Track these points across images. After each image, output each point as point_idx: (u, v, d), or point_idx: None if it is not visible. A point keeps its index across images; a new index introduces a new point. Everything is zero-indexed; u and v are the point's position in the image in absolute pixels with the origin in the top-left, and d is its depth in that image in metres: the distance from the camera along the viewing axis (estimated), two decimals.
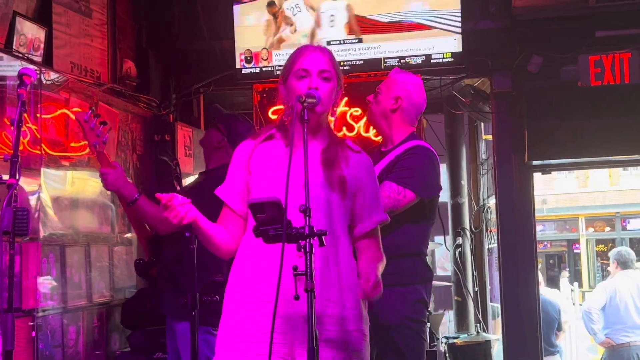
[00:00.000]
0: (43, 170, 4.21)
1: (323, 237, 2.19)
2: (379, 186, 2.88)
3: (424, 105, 3.59)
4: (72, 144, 4.49)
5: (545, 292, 8.04)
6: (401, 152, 3.41)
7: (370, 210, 2.63)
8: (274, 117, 5.66)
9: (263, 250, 2.43)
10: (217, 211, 3.68)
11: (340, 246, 2.53)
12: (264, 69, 5.68)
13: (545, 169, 5.95)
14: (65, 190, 4.49)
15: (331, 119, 2.71)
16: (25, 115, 2.74)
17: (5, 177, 2.62)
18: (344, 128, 5.44)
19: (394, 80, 3.54)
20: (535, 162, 5.67)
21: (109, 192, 3.86)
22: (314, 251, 2.18)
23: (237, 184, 2.61)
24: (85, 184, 4.66)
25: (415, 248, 3.41)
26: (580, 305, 10.83)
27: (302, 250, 2.17)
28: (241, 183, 2.60)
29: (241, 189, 2.60)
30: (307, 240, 2.15)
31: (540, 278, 8.03)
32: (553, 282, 16.57)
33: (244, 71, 5.72)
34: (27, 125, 3.95)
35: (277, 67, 5.63)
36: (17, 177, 2.59)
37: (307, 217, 2.17)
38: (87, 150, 3.66)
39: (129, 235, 5.18)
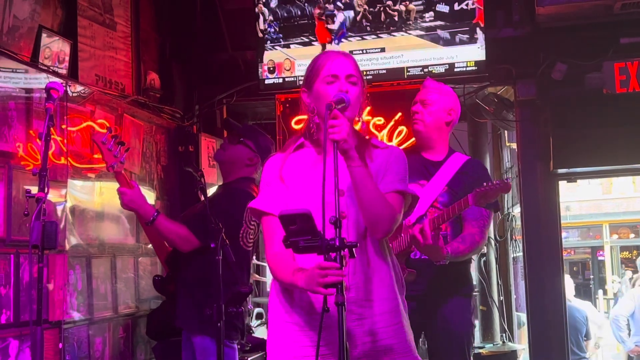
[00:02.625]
0: (69, 181, 4.23)
1: (354, 249, 2.16)
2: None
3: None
4: (97, 156, 4.50)
5: (574, 301, 7.96)
6: (469, 167, 3.50)
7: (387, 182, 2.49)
8: (297, 126, 5.67)
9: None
10: (234, 222, 3.70)
11: (369, 249, 2.46)
12: (286, 79, 5.70)
13: (571, 177, 5.90)
14: (91, 202, 4.51)
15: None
16: (52, 128, 2.74)
17: (34, 189, 2.63)
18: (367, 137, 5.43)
19: (445, 92, 3.58)
20: (560, 171, 5.62)
21: None
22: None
23: (273, 193, 2.52)
24: (110, 195, 4.67)
25: None
26: (606, 312, 10.72)
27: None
28: (276, 191, 2.51)
29: (277, 196, 2.50)
30: (338, 252, 2.13)
31: (569, 288, 7.95)
32: (578, 292, 16.37)
33: (267, 81, 5.73)
34: (53, 137, 3.97)
35: (300, 77, 5.63)
36: (46, 191, 2.60)
37: (337, 229, 2.13)
38: None
39: None
